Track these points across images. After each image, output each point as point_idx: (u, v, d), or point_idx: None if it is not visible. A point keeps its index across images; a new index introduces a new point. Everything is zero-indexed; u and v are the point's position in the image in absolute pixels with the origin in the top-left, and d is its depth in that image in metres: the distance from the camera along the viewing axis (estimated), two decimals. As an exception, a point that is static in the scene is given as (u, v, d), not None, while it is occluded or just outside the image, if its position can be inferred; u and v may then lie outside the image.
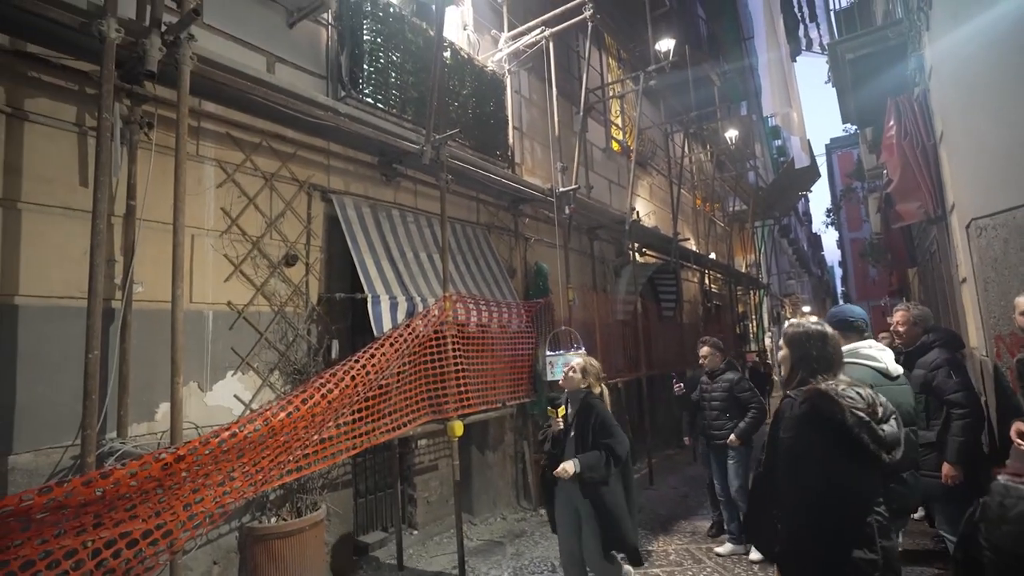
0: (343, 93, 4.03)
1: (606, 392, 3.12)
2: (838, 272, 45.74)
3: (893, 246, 14.52)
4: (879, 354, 2.42)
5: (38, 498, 1.83)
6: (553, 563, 3.93)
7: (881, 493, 1.60)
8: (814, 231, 42.13)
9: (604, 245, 7.57)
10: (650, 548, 4.18)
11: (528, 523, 4.94)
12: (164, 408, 3.02)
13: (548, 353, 4.86)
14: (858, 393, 1.58)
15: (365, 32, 4.14)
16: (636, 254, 8.15)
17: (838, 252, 41.26)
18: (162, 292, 2.93)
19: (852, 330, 2.51)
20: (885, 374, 2.36)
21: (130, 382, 2.89)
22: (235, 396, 3.44)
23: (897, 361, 2.49)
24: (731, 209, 15.02)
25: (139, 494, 2.22)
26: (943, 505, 3.03)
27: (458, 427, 3.72)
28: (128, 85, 2.86)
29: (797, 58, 8.71)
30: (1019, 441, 2.33)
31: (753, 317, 16.08)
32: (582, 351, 4.92)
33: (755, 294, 16.33)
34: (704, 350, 4.28)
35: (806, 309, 30.45)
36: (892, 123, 5.64)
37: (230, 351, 3.44)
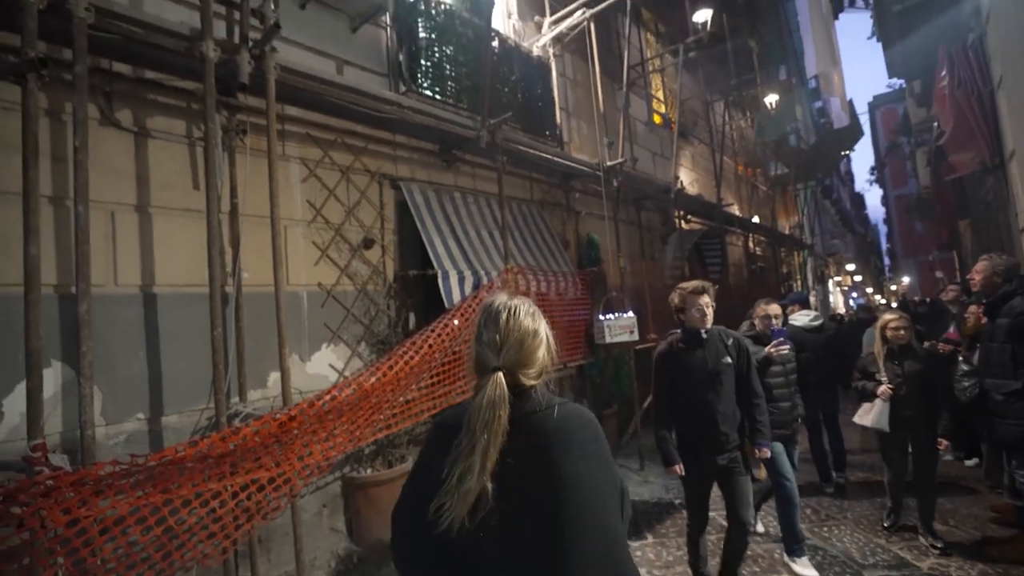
0: (404, 88, 4.08)
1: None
2: (883, 229, 42.69)
3: (943, 199, 13.39)
4: (801, 317, 4.21)
5: (189, 449, 2.05)
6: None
7: None
8: (857, 190, 39.39)
9: (651, 215, 7.39)
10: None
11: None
12: (274, 376, 3.25)
13: (601, 317, 4.85)
14: None
15: (420, 30, 4.16)
16: (682, 221, 7.93)
17: (882, 210, 38.49)
18: (264, 277, 3.12)
19: (798, 303, 4.51)
20: (804, 327, 4.10)
21: (246, 355, 3.13)
22: (330, 365, 3.65)
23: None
24: (773, 173, 14.26)
25: (262, 448, 2.43)
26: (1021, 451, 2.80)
27: (525, 387, 3.79)
28: (225, 98, 3.02)
29: (839, 15, 8.01)
30: None
31: (798, 277, 15.35)
32: (631, 314, 4.88)
33: (799, 255, 15.57)
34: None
35: (850, 267, 28.72)
36: (945, 73, 5.16)
37: (323, 326, 3.64)
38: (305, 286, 3.57)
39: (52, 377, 2.50)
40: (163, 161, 2.94)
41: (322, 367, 3.62)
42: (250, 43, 2.83)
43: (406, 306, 4.04)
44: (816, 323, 4.13)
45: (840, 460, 4.25)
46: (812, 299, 16.51)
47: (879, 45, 7.93)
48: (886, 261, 42.44)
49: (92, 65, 2.55)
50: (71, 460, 2.36)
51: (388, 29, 4.21)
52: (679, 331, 2.74)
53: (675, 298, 2.71)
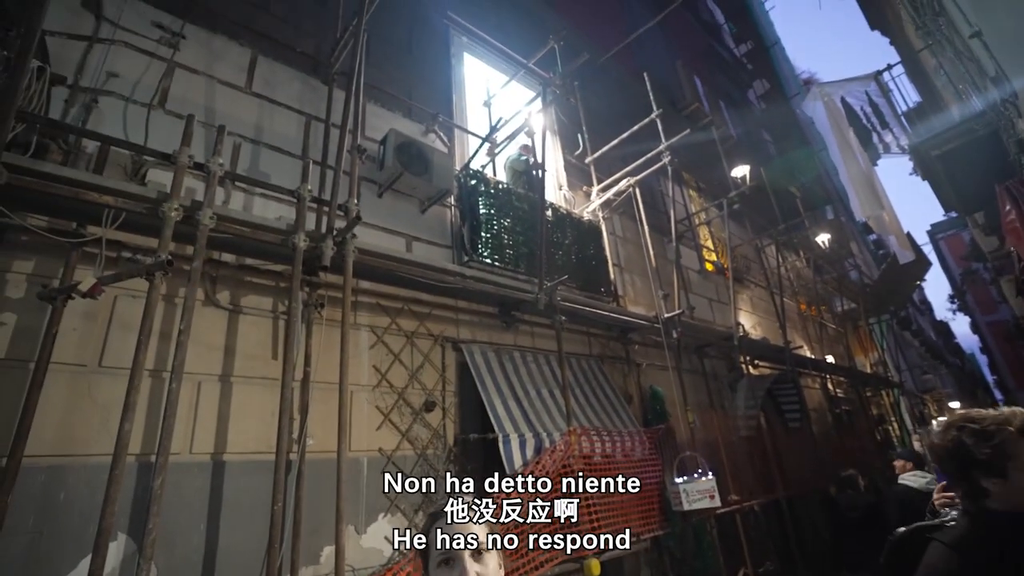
0: (466, 258, 4.44)
1: None
2: (982, 359, 38.60)
3: (1047, 330, 12.17)
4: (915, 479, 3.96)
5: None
6: None
7: None
8: (938, 319, 36.74)
9: (715, 362, 7.11)
10: None
11: None
12: (327, 551, 3.09)
13: (677, 481, 4.43)
14: None
15: (481, 207, 4.64)
16: (749, 367, 7.55)
17: (974, 337, 35.26)
18: (328, 444, 3.14)
19: (911, 460, 4.24)
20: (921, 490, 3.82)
21: (302, 528, 3.03)
22: (385, 538, 3.44)
23: None
24: (840, 309, 13.70)
25: (310, 646, 2.21)
26: None
27: (595, 566, 3.38)
28: (307, 277, 3.38)
29: (878, 162, 8.31)
30: None
31: (893, 419, 13.73)
32: (710, 477, 4.44)
33: (888, 394, 14.13)
34: None
35: (954, 404, 25.57)
36: (1009, 208, 5.07)
37: (381, 494, 3.51)
38: (366, 451, 3.55)
39: (115, 551, 2.49)
40: (248, 334, 3.22)
41: (378, 540, 3.41)
42: (334, 231, 3.24)
43: (465, 471, 3.88)
44: (933, 487, 3.53)
45: None
46: (918, 445, 14.49)
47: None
48: (998, 395, 37.59)
49: (206, 257, 2.99)
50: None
51: (452, 208, 4.75)
52: (970, 517, 1.35)
53: (968, 442, 1.32)
